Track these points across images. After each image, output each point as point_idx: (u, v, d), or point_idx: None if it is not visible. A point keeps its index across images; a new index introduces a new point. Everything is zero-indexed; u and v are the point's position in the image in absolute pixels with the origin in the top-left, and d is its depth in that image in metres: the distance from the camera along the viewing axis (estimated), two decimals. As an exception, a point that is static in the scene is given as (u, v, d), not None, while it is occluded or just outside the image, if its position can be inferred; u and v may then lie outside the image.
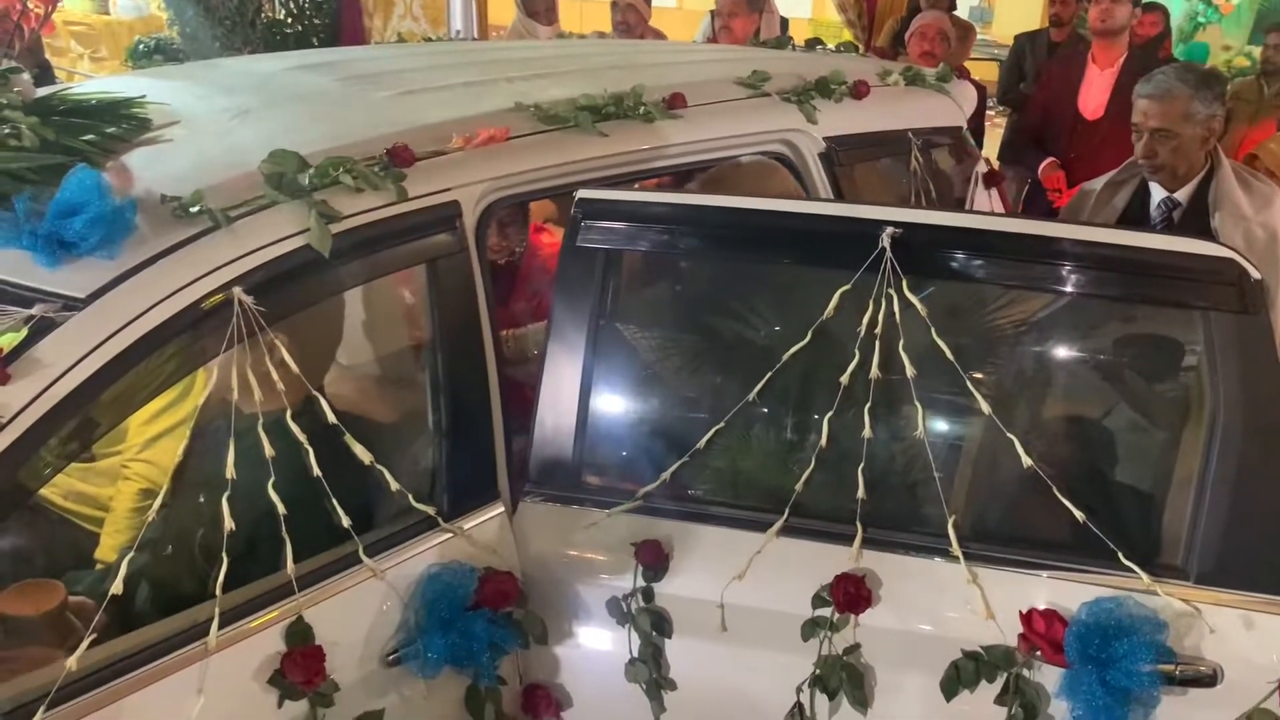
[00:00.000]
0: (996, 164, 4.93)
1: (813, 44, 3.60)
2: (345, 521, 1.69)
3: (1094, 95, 4.17)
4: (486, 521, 1.88)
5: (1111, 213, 2.85)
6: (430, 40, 4.58)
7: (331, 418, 1.69)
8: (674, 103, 2.33)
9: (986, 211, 2.97)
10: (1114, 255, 1.66)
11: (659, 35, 4.94)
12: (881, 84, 2.92)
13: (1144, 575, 1.61)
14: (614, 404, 1.97)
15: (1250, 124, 5.08)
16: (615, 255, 1.90)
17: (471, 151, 1.95)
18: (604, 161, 2.13)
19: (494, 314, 1.94)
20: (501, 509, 1.90)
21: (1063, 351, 1.87)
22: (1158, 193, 2.79)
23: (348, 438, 1.71)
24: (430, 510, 1.79)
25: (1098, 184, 2.93)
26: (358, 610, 1.73)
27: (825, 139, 2.59)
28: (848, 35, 6.80)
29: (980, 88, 5.00)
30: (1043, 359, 1.87)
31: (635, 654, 1.83)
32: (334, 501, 1.68)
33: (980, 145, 4.88)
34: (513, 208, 2.52)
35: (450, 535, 1.82)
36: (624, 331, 1.97)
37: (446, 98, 2.25)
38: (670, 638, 1.82)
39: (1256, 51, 6.03)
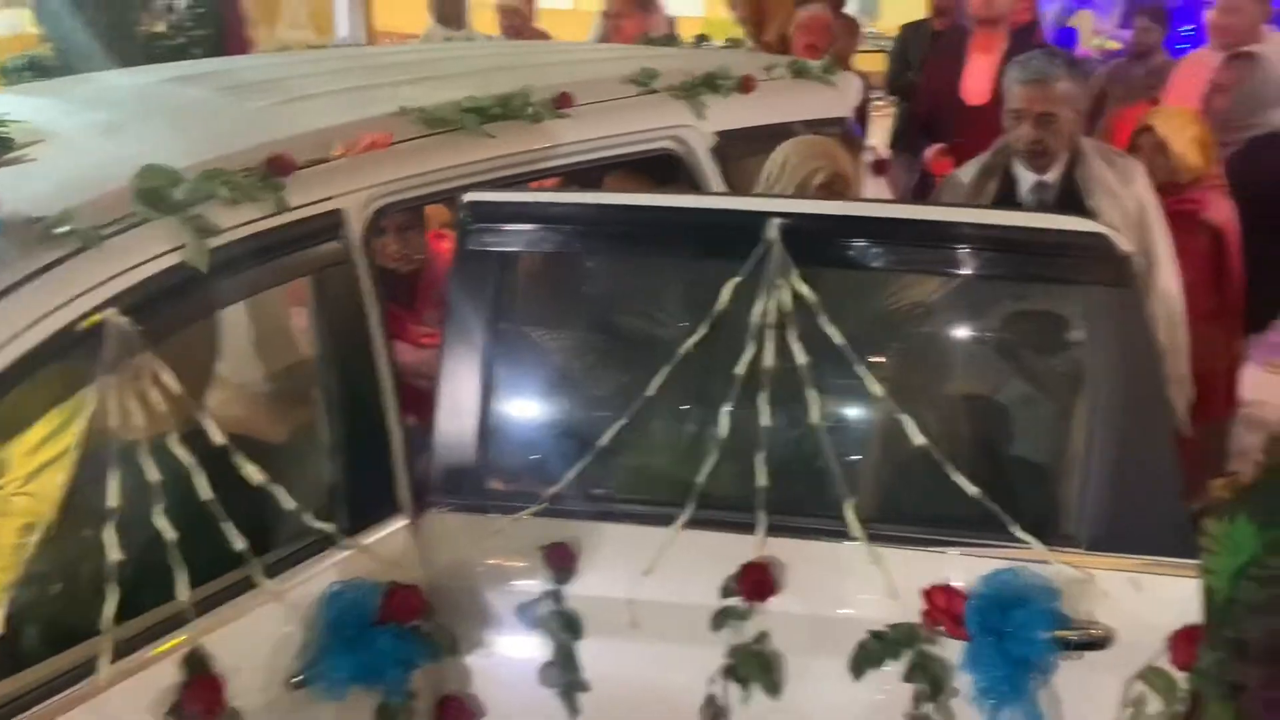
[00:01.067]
0: (887, 152, 5.05)
1: (700, 40, 3.63)
2: (239, 544, 1.64)
3: (977, 81, 4.28)
4: (389, 535, 1.84)
5: (984, 200, 2.86)
6: (314, 48, 4.50)
7: (219, 438, 1.64)
8: (562, 102, 2.32)
9: (872, 198, 3.03)
10: (992, 235, 1.71)
11: (545, 36, 4.94)
12: (768, 78, 2.95)
13: (1037, 545, 1.66)
14: (515, 407, 1.96)
15: (1124, 105, 5.27)
16: (507, 257, 1.89)
17: (354, 159, 1.91)
18: (493, 163, 2.11)
19: (386, 323, 1.91)
20: (404, 521, 1.86)
21: (952, 331, 1.92)
22: (1027, 177, 2.80)
23: (237, 457, 1.66)
24: (328, 528, 1.75)
25: (967, 172, 2.95)
26: (258, 635, 1.68)
27: (715, 134, 2.61)
28: (739, 32, 6.87)
29: (863, 78, 5.11)
30: (933, 339, 1.92)
31: (548, 658, 1.82)
32: (227, 524, 1.63)
33: (864, 135, 5.00)
34: (409, 214, 2.48)
35: (351, 551, 1.78)
36: (521, 333, 1.95)
37: (328, 105, 2.20)
38: (582, 639, 1.81)
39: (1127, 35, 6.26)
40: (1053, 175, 2.77)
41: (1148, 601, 1.63)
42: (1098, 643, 1.63)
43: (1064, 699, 1.65)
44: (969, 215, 1.76)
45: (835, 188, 2.38)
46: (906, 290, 1.87)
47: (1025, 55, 2.81)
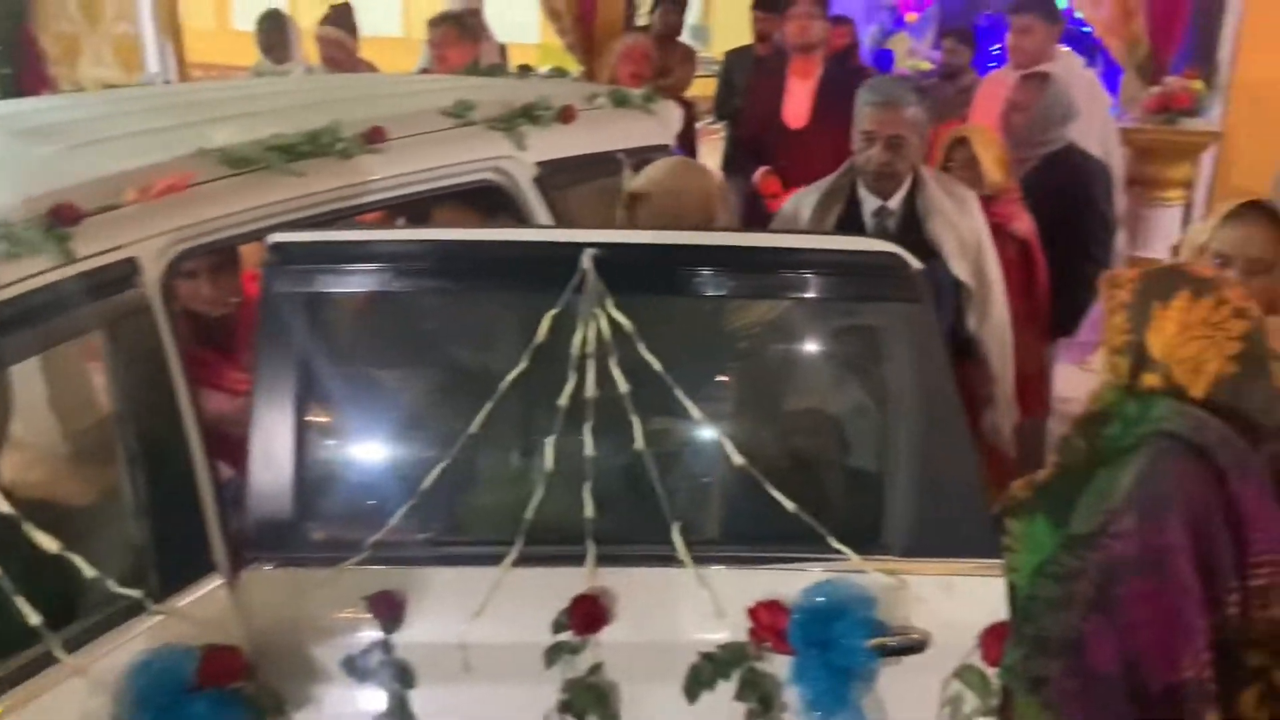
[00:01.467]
0: (718, 175, 5.17)
1: (524, 70, 3.63)
2: (34, 619, 1.53)
3: (797, 106, 4.43)
4: (204, 596, 1.76)
5: (825, 225, 2.85)
6: (114, 87, 4.29)
7: (4, 506, 1.53)
8: (373, 137, 2.28)
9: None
10: (794, 258, 1.76)
11: (370, 67, 4.86)
12: (589, 107, 2.98)
13: (853, 555, 1.71)
14: (333, 454, 1.90)
15: (937, 123, 5.55)
16: (317, 298, 1.84)
17: (149, 204, 1.82)
18: (301, 202, 2.05)
19: (191, 372, 1.82)
20: (220, 580, 1.78)
21: (767, 352, 1.97)
22: (870, 201, 2.84)
23: (27, 526, 1.55)
24: (134, 594, 1.66)
25: (812, 195, 2.95)
26: (61, 713, 1.57)
27: (537, 164, 2.61)
28: (570, 62, 6.93)
29: (688, 104, 5.23)
30: (749, 361, 1.96)
31: (381, 710, 1.76)
32: (18, 599, 1.52)
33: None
34: (220, 255, 2.39)
35: (162, 617, 1.69)
36: (336, 376, 1.90)
37: (123, 148, 2.09)
38: (415, 687, 1.77)
39: (939, 56, 6.60)
40: (895, 201, 2.82)
41: (959, 603, 1.70)
42: (915, 646, 1.69)
43: (887, 703, 1.71)
44: (772, 240, 1.82)
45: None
46: (722, 313, 1.91)
47: (876, 79, 2.88)
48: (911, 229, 2.79)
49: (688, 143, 4.71)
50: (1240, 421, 1.46)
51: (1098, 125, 4.26)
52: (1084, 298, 3.51)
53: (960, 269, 2.77)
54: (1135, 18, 5.45)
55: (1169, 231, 5.31)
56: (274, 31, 5.26)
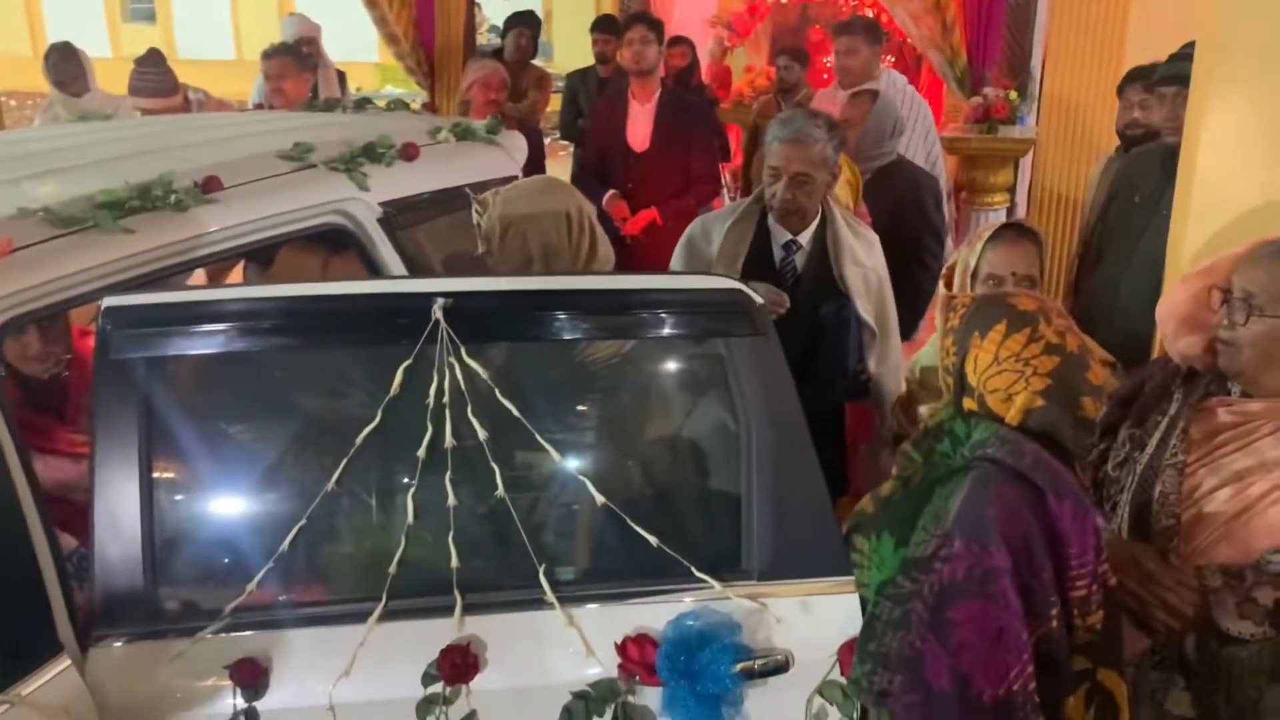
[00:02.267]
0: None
1: (362, 104, 3.59)
2: None
3: (639, 128, 4.52)
4: (51, 680, 1.67)
5: (737, 255, 2.83)
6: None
7: None
8: (209, 186, 2.22)
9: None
10: (645, 298, 1.81)
11: (222, 105, 4.73)
12: (432, 142, 2.97)
13: (715, 584, 1.77)
14: (183, 519, 1.84)
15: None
16: (156, 361, 1.78)
17: (-34, 272, 1.73)
18: (135, 260, 1.98)
19: (24, 441, 1.74)
20: (68, 662, 1.70)
21: (624, 391, 2.00)
22: (780, 234, 2.82)
23: None
24: (-27, 686, 1.57)
25: (720, 221, 2.91)
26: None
27: (381, 204, 2.59)
28: (412, 84, 6.87)
29: (535, 130, 5.25)
30: (607, 401, 1.99)
31: (248, 780, 1.72)
32: None
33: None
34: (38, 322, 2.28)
35: (7, 707, 1.61)
36: (184, 439, 1.84)
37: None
38: (284, 754, 1.73)
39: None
40: (805, 237, 2.81)
41: (817, 621, 1.77)
42: (779, 667, 1.75)
43: (758, 725, 1.76)
44: (622, 282, 1.86)
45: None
46: (577, 355, 1.93)
47: (788, 113, 2.82)
48: (821, 266, 2.80)
49: (536, 163, 4.72)
50: (1053, 444, 1.57)
51: (921, 138, 4.49)
52: (920, 304, 3.70)
53: (865, 309, 2.82)
54: (953, 32, 5.77)
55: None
56: (64, 63, 5.04)
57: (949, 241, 4.31)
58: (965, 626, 1.44)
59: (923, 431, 1.72)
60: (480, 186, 2.97)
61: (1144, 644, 1.80)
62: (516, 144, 3.29)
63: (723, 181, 6.57)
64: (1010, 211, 5.90)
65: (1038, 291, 2.09)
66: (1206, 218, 2.32)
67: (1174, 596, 1.67)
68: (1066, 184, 5.01)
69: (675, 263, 2.95)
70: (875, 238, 2.97)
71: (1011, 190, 5.96)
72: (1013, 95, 5.81)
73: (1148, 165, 3.27)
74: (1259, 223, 1.97)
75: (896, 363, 2.93)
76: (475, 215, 2.38)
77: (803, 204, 2.73)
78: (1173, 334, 1.90)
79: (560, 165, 6.28)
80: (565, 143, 6.66)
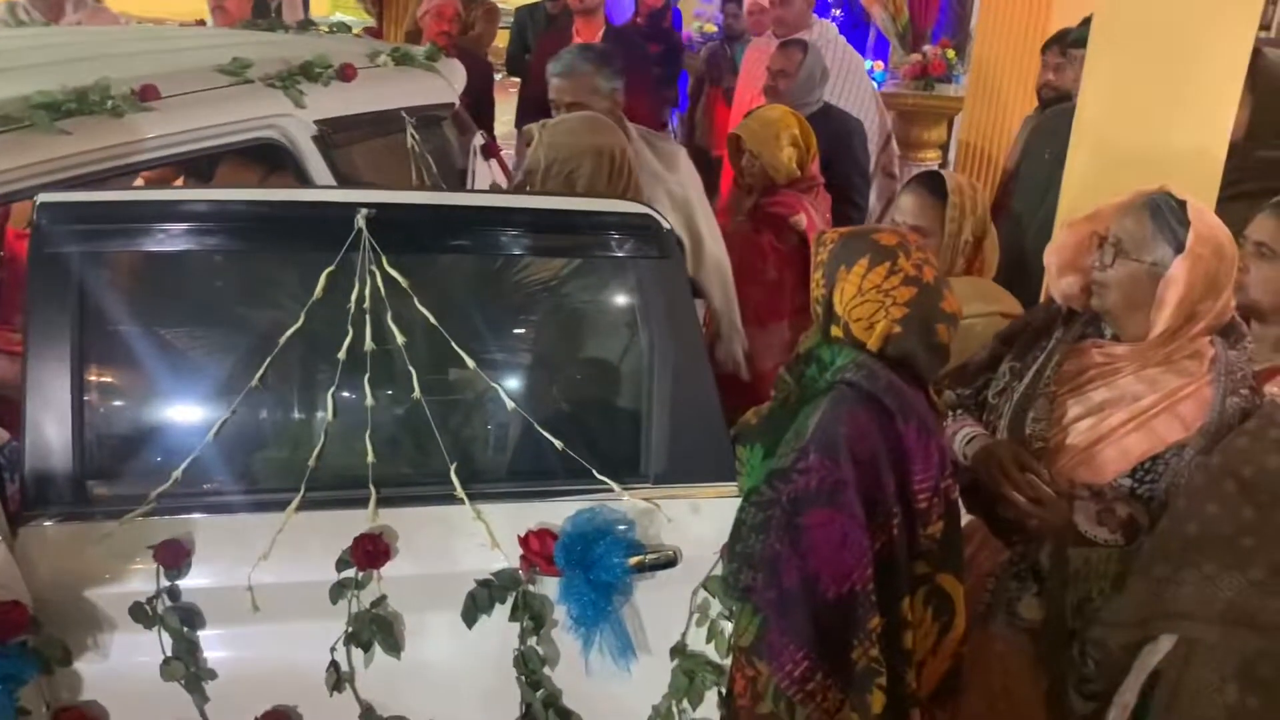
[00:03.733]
0: (510, 131, 5.25)
1: (306, 25, 3.62)
2: None
3: (580, 66, 4.57)
4: (-19, 554, 1.77)
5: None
6: None
7: None
8: (145, 94, 2.28)
9: (466, 189, 3.17)
10: (556, 219, 1.93)
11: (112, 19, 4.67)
12: (371, 65, 3.03)
13: (614, 485, 1.91)
14: (114, 410, 1.94)
15: (715, 85, 5.83)
16: (91, 256, 1.86)
17: (-97, 163, 1.79)
18: (70, 161, 2.05)
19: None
20: (-1, 539, 1.80)
21: (536, 305, 2.12)
22: None
23: None
24: (-94, 557, 1.66)
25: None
26: None
27: (316, 122, 2.66)
28: (362, 12, 6.82)
29: (486, 59, 5.28)
30: (521, 314, 2.11)
31: (169, 653, 1.84)
32: None
33: (491, 116, 5.19)
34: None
35: (-63, 575, 1.71)
36: (115, 334, 1.92)
37: None
38: (204, 629, 1.85)
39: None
40: None
41: (705, 522, 1.92)
42: (668, 562, 1.91)
43: (644, 614, 1.92)
44: (537, 202, 1.97)
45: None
46: (493, 269, 2.05)
47: (563, 49, 2.99)
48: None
49: (485, 97, 4.77)
50: (907, 370, 1.72)
51: (853, 88, 4.62)
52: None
53: (673, 222, 2.94)
54: (896, -10, 5.91)
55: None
56: None
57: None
58: (814, 531, 1.60)
59: (795, 357, 1.86)
60: (417, 110, 3.06)
61: (1003, 556, 1.99)
62: (455, 72, 3.36)
63: (670, 126, 6.66)
64: (942, 167, 6.08)
65: (906, 230, 2.21)
66: (1093, 170, 2.49)
67: (1046, 497, 1.84)
68: (989, 142, 5.18)
69: None
70: (679, 150, 3.09)
71: (944, 147, 6.13)
72: (950, 54, 5.96)
73: (1058, 124, 3.42)
74: (1139, 175, 2.13)
75: (714, 262, 3.01)
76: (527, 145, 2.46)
77: None
78: (1056, 274, 2.05)
79: (507, 100, 6.29)
80: (514, 78, 6.67)
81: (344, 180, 2.67)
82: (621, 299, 2.00)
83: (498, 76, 5.75)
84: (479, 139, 3.42)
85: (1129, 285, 1.87)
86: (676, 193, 2.94)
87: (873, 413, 1.66)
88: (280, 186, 2.75)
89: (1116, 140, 2.45)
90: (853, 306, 1.73)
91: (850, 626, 1.58)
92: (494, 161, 3.45)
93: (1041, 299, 2.79)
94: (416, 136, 2.96)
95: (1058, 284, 2.01)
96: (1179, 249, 1.81)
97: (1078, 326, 2.02)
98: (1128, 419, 1.87)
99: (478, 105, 4.30)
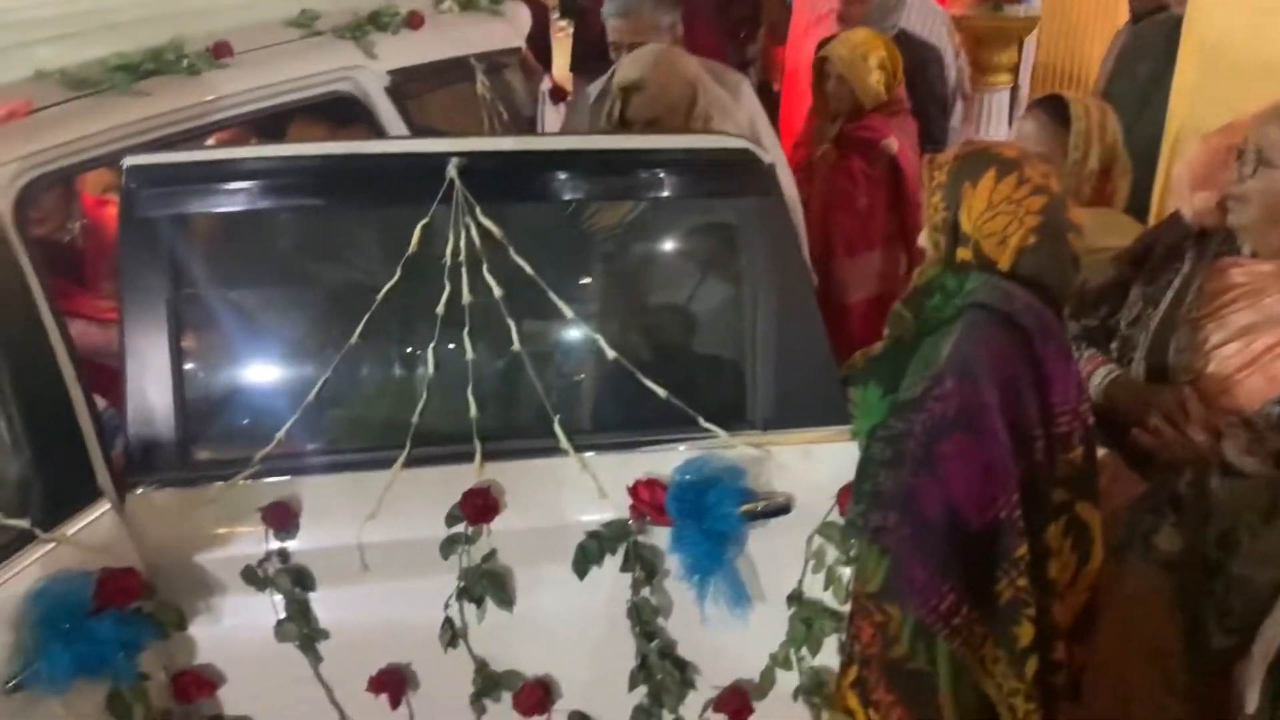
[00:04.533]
0: (568, 76, 5.15)
1: (364, -27, 3.53)
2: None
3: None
4: (93, 522, 1.77)
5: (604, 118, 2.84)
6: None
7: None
8: (219, 52, 2.24)
9: (548, 133, 3.11)
10: (654, 158, 1.85)
11: None
12: (436, 11, 2.96)
13: (721, 433, 1.86)
14: (213, 373, 1.93)
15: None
16: (181, 219, 1.83)
17: (-10, 132, 1.77)
18: (152, 123, 2.02)
19: (56, 301, 1.80)
20: (108, 505, 1.80)
21: (634, 249, 2.06)
22: None
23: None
24: (21, 523, 1.66)
25: (595, 87, 3.02)
26: (-41, 645, 1.59)
27: (389, 73, 2.60)
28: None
29: (541, 6, 5.16)
30: (619, 258, 2.06)
31: (282, 614, 1.84)
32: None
33: (549, 60, 5.09)
34: (59, 182, 2.32)
35: (53, 545, 1.71)
36: (209, 296, 1.90)
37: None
38: (315, 590, 1.84)
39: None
40: None
41: (817, 467, 1.86)
42: (781, 509, 1.85)
43: (758, 562, 1.87)
44: (631, 142, 1.90)
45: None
46: (589, 214, 1.98)
47: None
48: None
49: (542, 42, 4.66)
50: (1042, 290, 1.63)
51: (926, 13, 4.43)
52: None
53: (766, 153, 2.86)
54: (962, -92, 5.63)
55: (999, 114, 5.61)
56: None
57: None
58: (954, 460, 1.52)
59: (912, 290, 1.77)
60: (485, 57, 2.98)
61: (1139, 488, 1.90)
62: (520, 15, 3.28)
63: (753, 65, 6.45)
64: (1015, 91, 5.86)
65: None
66: (1207, 83, 2.35)
67: (1193, 430, 1.75)
68: (1069, 61, 4.97)
69: None
70: (743, 80, 3.01)
71: (1016, 70, 5.90)
72: (1018, -27, 5.70)
73: (1153, 37, 3.27)
74: (1255, 87, 1.99)
75: (788, 194, 2.90)
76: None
77: None
78: (1188, 190, 1.94)
79: (560, 45, 6.18)
80: (562, 23, 6.55)
81: (418, 131, 2.61)
82: (722, 239, 1.93)
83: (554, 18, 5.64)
84: (546, 83, 3.34)
85: (1272, 197, 1.75)
86: (743, 123, 2.84)
87: (1010, 334, 1.57)
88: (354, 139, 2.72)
89: (1230, 50, 2.31)
90: (983, 222, 1.64)
91: (996, 556, 1.51)
92: (562, 105, 3.38)
93: (1152, 218, 2.66)
94: (486, 83, 2.89)
95: (1190, 200, 1.90)
96: None
97: (1213, 246, 1.90)
98: (1275, 342, 1.77)
99: (537, 50, 4.21)
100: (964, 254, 1.67)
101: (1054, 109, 2.39)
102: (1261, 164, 1.76)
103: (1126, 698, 1.94)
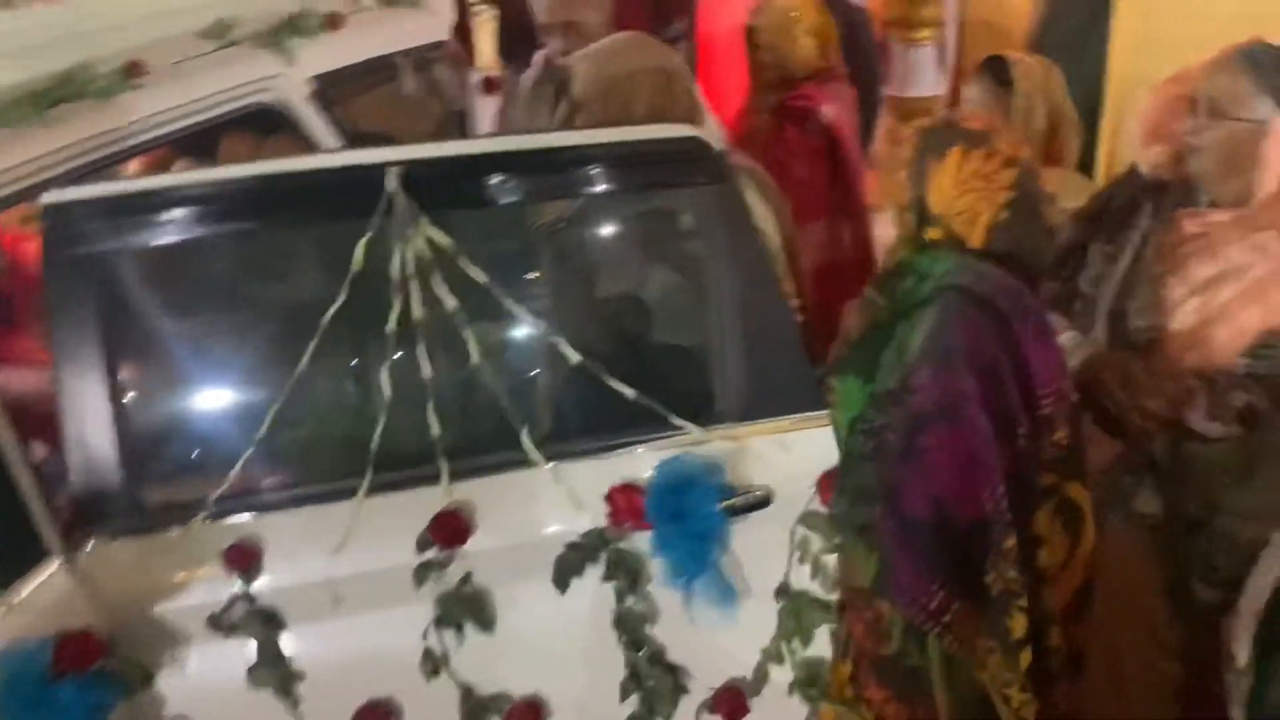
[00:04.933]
0: (498, 65, 5.02)
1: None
2: None
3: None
4: (44, 584, 1.68)
5: (543, 106, 2.74)
6: None
7: None
8: (132, 71, 2.12)
9: (490, 133, 3.02)
10: (601, 153, 1.78)
11: None
12: (356, 9, 2.84)
13: (694, 428, 1.80)
14: (157, 413, 1.83)
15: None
16: (108, 254, 1.72)
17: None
18: (65, 153, 1.91)
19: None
20: (57, 564, 1.70)
21: (590, 247, 1.99)
22: None
23: None
24: (-38, 595, 1.57)
25: (527, 79, 2.91)
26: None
27: (313, 79, 2.50)
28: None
29: (459, -4, 5.00)
30: (575, 258, 1.99)
31: (254, 659, 1.76)
32: None
33: (472, 50, 4.95)
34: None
35: (3, 612, 1.61)
36: (145, 332, 1.80)
37: None
38: (286, 630, 1.77)
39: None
40: None
41: (795, 457, 1.82)
42: (761, 502, 1.81)
43: (743, 558, 1.83)
44: (579, 138, 1.82)
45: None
46: (539, 215, 1.91)
47: None
48: None
49: (462, 30, 4.53)
50: (1017, 266, 1.58)
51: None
52: (863, 140, 3.68)
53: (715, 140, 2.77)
54: None
55: (926, 68, 5.58)
56: None
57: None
58: (937, 453, 1.47)
59: (884, 273, 1.72)
60: (410, 53, 2.88)
61: (1115, 450, 1.88)
62: (443, 5, 3.17)
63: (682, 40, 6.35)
64: (941, 49, 5.84)
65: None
66: (1145, 32, 2.33)
67: (1152, 399, 1.74)
68: (996, 13, 4.96)
69: None
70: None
71: (940, 25, 5.88)
72: (935, -75, 5.67)
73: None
74: (1195, 32, 1.97)
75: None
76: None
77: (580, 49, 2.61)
78: (1141, 143, 1.91)
79: (483, 30, 6.03)
80: (480, 8, 6.38)
81: (348, 139, 2.51)
82: (677, 230, 1.87)
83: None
84: (476, 75, 3.25)
85: (1228, 147, 1.73)
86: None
87: (986, 317, 1.51)
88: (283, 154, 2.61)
89: (1167, -3, 2.28)
90: (953, 199, 1.58)
91: (984, 549, 1.48)
92: (495, 96, 3.28)
93: (1102, 170, 2.65)
94: (416, 80, 2.79)
95: (1144, 154, 1.87)
96: None
97: (1170, 199, 1.89)
98: (1238, 293, 1.75)
99: (463, 40, 4.08)
100: (934, 234, 1.62)
101: (997, 71, 2.36)
102: (1215, 113, 1.74)
103: (1116, 658, 1.93)
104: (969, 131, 1.61)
